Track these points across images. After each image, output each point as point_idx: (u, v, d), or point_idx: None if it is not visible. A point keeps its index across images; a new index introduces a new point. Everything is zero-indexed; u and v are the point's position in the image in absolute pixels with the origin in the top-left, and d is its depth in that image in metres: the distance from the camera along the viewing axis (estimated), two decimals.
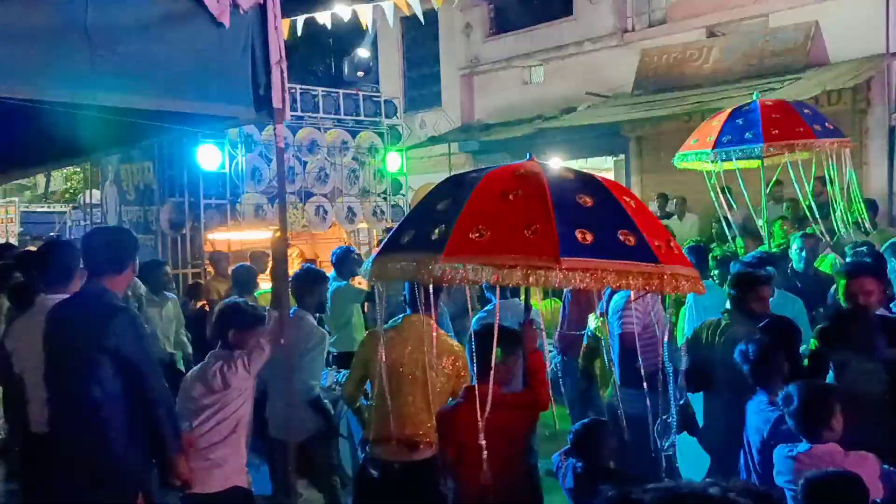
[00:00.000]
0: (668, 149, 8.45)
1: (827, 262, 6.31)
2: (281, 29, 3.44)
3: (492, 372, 3.10)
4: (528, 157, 2.94)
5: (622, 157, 13.18)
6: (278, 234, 3.48)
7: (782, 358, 3.60)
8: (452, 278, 2.49)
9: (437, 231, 2.60)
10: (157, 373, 3.35)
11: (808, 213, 6.93)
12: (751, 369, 3.59)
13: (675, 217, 10.75)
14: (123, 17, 2.93)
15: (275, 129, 3.49)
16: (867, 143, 10.05)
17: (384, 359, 3.64)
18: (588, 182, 2.80)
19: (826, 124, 6.47)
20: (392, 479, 3.76)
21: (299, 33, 7.42)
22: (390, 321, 3.93)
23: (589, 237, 2.47)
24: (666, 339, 4.07)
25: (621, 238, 2.51)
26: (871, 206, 8.11)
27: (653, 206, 11.22)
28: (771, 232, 7.32)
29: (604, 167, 13.72)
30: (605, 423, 3.73)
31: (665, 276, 2.50)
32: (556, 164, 10.34)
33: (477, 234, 2.51)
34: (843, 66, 9.84)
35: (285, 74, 3.39)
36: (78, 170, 19.96)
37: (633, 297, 4.28)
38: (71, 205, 20.72)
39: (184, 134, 5.86)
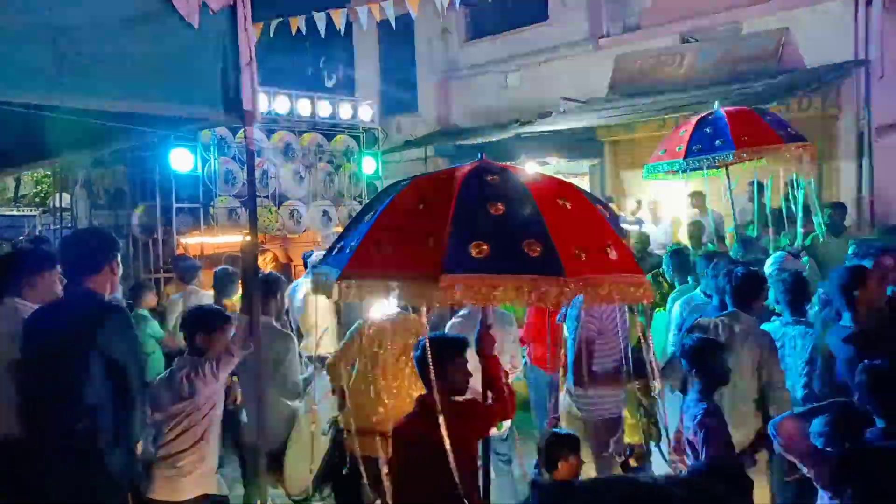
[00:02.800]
0: (643, 153, 8.53)
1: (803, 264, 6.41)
2: (252, 30, 3.41)
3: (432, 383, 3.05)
4: (479, 156, 2.84)
5: (597, 161, 13.24)
6: (249, 237, 3.44)
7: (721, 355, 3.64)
8: (348, 295, 2.46)
9: (350, 245, 2.58)
10: (141, 377, 3.30)
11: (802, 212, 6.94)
12: (690, 360, 3.62)
13: (651, 222, 10.81)
14: (89, 17, 2.87)
15: (245, 131, 3.45)
16: (838, 148, 10.19)
17: (371, 346, 3.66)
18: (513, 186, 2.62)
19: (789, 129, 6.55)
20: (371, 476, 3.72)
21: (271, 35, 7.38)
22: (391, 314, 4.04)
23: (485, 249, 2.33)
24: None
25: (525, 249, 2.36)
26: (840, 207, 8.27)
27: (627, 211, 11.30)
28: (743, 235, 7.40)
29: (580, 172, 13.78)
30: (565, 436, 3.66)
31: (567, 290, 2.34)
32: (531, 168, 10.28)
33: (377, 249, 2.46)
34: (814, 72, 9.98)
35: (255, 76, 3.35)
36: (48, 173, 19.64)
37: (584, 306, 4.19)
38: (41, 209, 20.41)
39: (155, 137, 5.78)
